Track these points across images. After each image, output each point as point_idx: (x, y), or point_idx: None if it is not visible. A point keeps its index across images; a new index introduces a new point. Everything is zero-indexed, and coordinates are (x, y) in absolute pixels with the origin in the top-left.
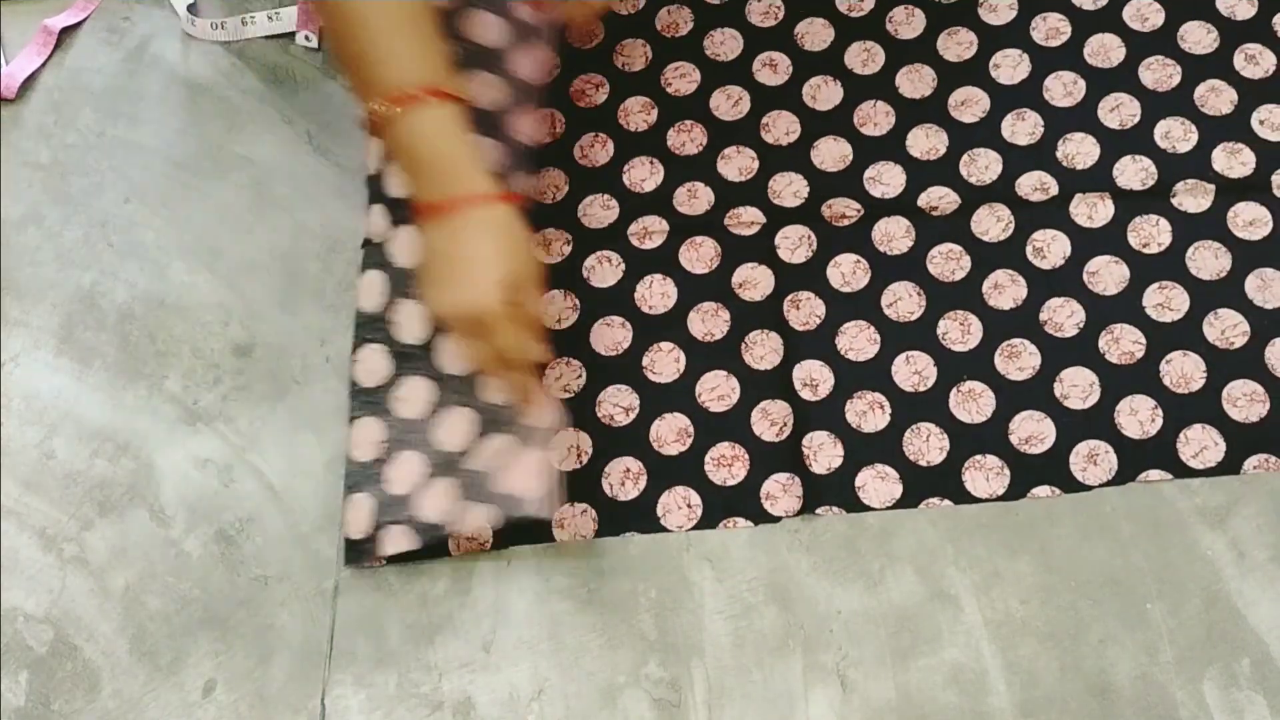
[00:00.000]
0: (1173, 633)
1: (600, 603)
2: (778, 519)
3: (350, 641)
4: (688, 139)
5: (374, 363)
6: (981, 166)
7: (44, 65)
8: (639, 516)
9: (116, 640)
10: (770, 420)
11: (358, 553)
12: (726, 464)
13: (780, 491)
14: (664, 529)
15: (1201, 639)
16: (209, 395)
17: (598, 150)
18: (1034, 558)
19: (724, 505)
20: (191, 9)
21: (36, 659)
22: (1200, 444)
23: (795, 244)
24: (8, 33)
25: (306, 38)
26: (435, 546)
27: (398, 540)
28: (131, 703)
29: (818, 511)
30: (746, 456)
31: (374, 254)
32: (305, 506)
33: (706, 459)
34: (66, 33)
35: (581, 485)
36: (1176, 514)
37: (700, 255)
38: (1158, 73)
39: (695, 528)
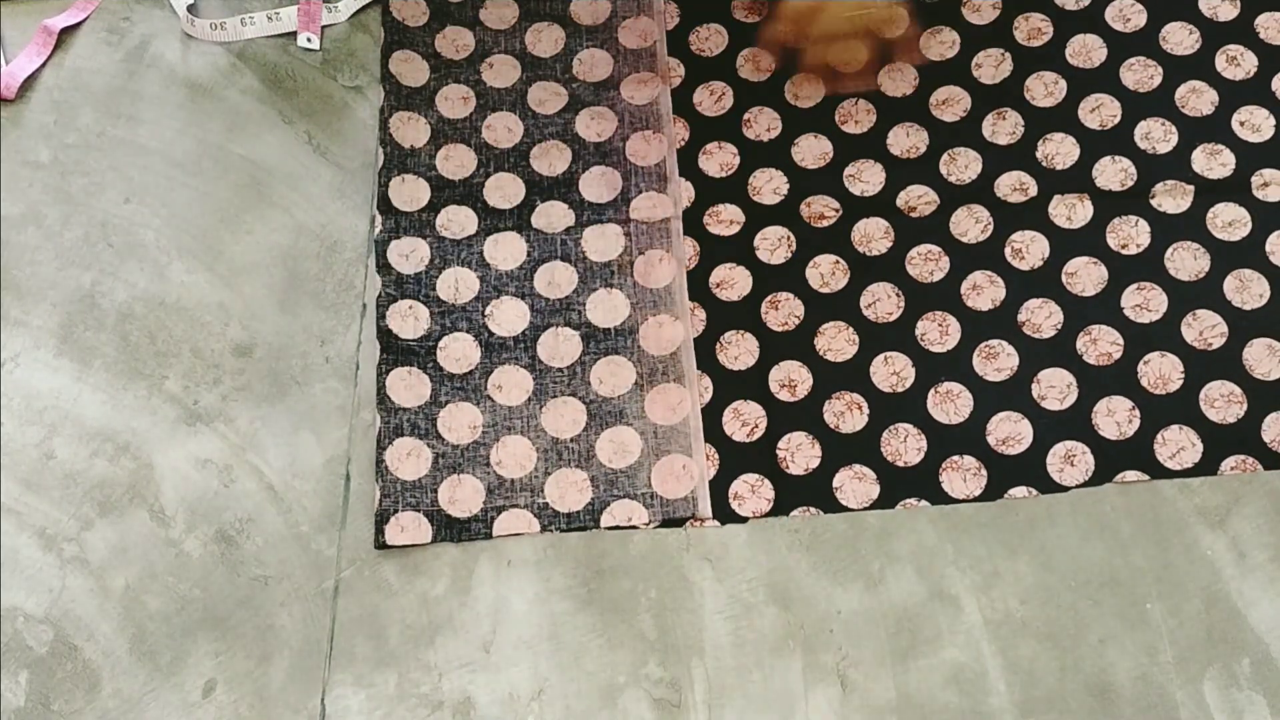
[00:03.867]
0: (1173, 633)
1: (600, 603)
2: (745, 519)
3: (350, 641)
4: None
5: (461, 351)
6: (961, 166)
7: (44, 65)
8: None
9: (116, 640)
10: (742, 421)
11: (459, 530)
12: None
13: (748, 492)
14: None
15: (1201, 639)
16: (209, 395)
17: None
18: (1034, 558)
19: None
20: (191, 9)
21: (36, 659)
22: (1178, 445)
23: (774, 245)
24: (8, 33)
25: (308, 39)
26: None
27: (515, 523)
28: (131, 703)
29: (793, 513)
30: (717, 456)
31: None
32: (305, 506)
33: None
34: (66, 33)
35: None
36: (1176, 514)
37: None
38: (1139, 73)
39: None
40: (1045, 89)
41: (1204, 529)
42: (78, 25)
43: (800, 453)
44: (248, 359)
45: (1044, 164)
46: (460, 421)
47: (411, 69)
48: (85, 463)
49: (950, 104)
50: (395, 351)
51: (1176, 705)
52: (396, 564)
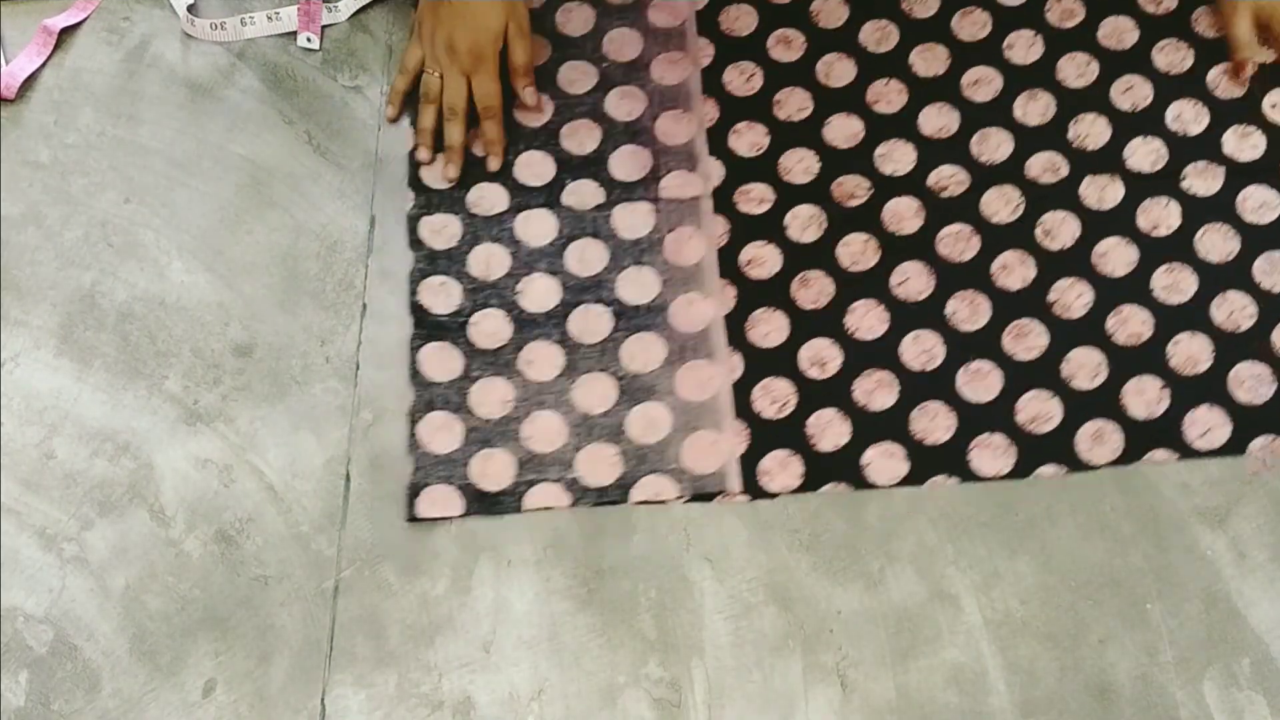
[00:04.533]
0: (1173, 633)
1: (600, 603)
2: (774, 495)
3: (350, 641)
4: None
5: (493, 326)
6: (993, 146)
7: (44, 65)
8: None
9: (116, 640)
10: (772, 398)
11: (490, 503)
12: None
13: (778, 468)
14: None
15: (1201, 639)
16: (209, 395)
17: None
18: (1034, 558)
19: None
20: (191, 9)
21: (36, 659)
22: (1206, 424)
23: (805, 224)
24: (8, 33)
25: (308, 39)
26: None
27: (545, 497)
28: (131, 703)
29: (822, 489)
30: (747, 432)
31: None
32: (305, 506)
33: None
34: (66, 33)
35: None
36: (1176, 514)
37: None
38: (1171, 55)
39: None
40: (1077, 70)
41: (1204, 529)
42: (78, 25)
43: (830, 430)
44: (248, 359)
45: (1075, 145)
46: (491, 396)
47: None
48: (85, 463)
49: (982, 84)
50: (428, 326)
51: (1176, 705)
52: (396, 564)
